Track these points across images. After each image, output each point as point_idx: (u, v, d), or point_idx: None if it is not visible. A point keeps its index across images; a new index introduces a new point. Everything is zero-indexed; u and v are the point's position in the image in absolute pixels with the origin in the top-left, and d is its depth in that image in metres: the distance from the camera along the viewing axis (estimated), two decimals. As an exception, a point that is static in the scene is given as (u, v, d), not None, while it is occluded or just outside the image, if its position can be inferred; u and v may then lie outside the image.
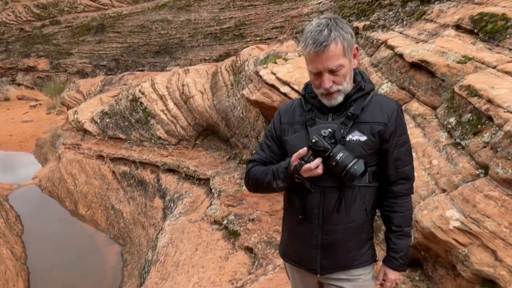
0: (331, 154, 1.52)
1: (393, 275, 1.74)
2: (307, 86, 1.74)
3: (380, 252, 3.05)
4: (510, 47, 3.02)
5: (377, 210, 1.77)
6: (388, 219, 1.73)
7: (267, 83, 4.79)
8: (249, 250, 4.14)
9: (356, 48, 1.62)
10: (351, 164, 1.50)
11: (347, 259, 1.68)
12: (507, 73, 2.78)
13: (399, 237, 1.71)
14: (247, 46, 8.00)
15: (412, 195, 1.75)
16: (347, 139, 1.58)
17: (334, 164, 1.53)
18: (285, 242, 1.85)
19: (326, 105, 1.64)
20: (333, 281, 1.71)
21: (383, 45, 4.11)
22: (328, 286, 1.74)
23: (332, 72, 1.55)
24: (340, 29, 1.52)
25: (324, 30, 1.50)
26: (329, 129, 1.56)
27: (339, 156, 1.52)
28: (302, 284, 1.84)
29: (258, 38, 17.83)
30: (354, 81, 1.67)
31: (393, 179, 1.67)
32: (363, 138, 1.59)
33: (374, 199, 1.69)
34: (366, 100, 1.62)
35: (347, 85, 1.60)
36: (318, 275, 1.71)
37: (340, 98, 1.60)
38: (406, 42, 3.83)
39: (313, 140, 1.54)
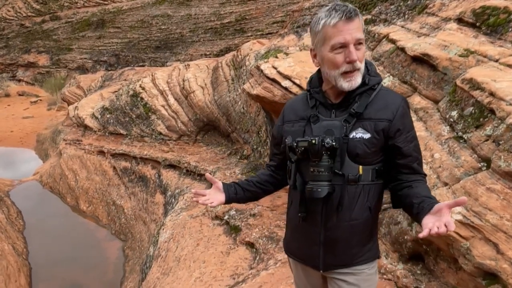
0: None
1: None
2: (311, 80, 1.71)
3: (382, 247, 3.06)
4: (513, 40, 3.00)
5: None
6: (412, 196, 1.54)
7: (268, 78, 4.76)
8: (250, 245, 4.15)
9: None
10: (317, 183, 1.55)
11: (350, 256, 1.66)
12: (509, 66, 2.76)
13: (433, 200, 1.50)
14: (248, 41, 7.95)
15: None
16: (351, 136, 1.55)
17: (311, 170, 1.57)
18: (288, 239, 1.85)
19: (330, 100, 1.62)
20: (336, 275, 1.70)
21: (384, 39, 4.09)
22: (331, 280, 1.74)
23: (356, 45, 1.52)
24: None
25: (347, 4, 1.51)
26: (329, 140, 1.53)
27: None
28: (306, 277, 1.84)
29: (259, 33, 17.78)
30: None
31: (405, 175, 1.61)
32: (367, 135, 1.54)
33: (379, 196, 1.66)
34: (371, 96, 1.58)
35: (363, 68, 1.58)
36: (321, 271, 1.71)
37: (359, 80, 1.55)
38: (408, 36, 3.81)
39: (313, 141, 1.53)
